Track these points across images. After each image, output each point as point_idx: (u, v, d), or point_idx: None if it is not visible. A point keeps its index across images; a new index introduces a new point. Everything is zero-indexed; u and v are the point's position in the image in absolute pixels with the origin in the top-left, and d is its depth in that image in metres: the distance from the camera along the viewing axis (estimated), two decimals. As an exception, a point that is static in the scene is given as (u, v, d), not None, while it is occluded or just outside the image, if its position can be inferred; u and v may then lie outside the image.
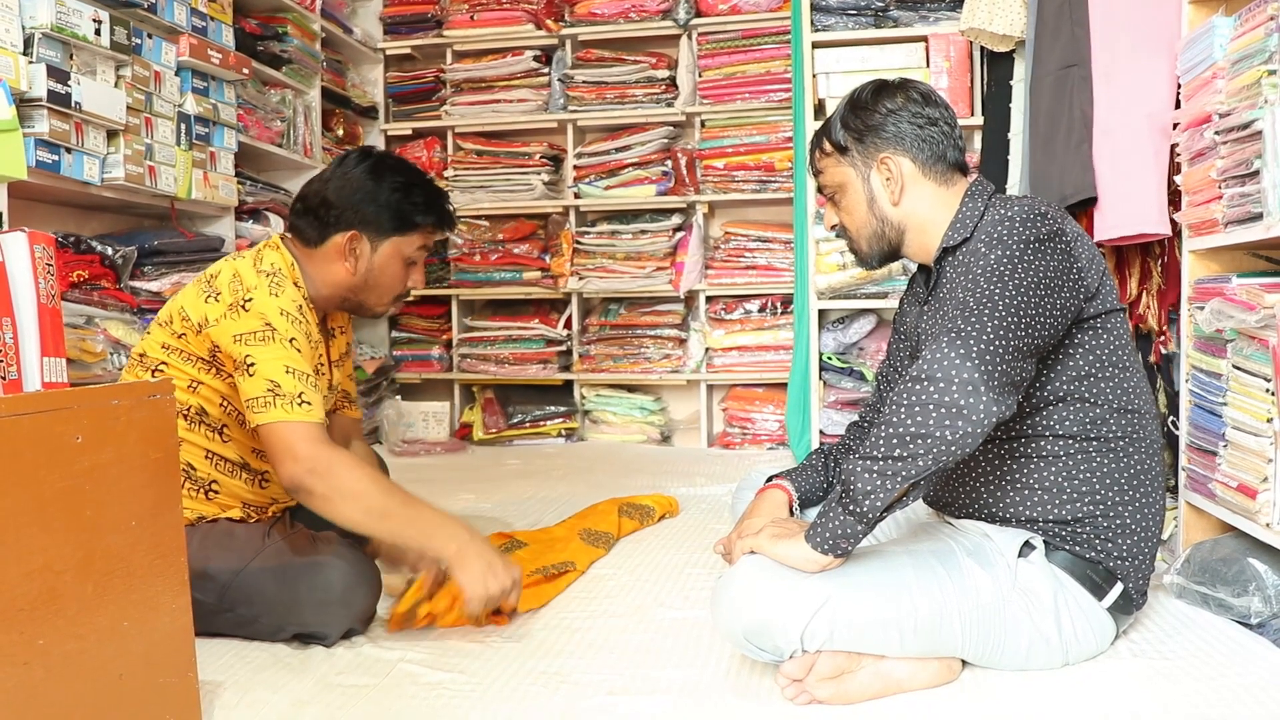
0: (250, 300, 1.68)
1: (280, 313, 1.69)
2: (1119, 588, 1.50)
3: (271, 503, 1.91)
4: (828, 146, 1.67)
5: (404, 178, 1.88)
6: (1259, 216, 1.76)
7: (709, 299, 4.27)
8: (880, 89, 1.63)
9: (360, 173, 1.84)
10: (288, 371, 1.64)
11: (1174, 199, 2.28)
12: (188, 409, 1.76)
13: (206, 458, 1.79)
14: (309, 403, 1.64)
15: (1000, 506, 1.54)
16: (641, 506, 2.57)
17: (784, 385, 3.99)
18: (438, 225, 1.92)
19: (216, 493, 1.80)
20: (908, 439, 1.28)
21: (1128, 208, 2.36)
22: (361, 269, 1.85)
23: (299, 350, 1.68)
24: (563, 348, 4.40)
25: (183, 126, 2.86)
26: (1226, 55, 1.86)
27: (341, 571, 1.68)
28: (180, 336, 1.73)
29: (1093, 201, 2.47)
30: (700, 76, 4.24)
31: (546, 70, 4.44)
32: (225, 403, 1.77)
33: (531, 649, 1.68)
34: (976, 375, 1.27)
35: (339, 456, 1.64)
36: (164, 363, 1.75)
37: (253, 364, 1.64)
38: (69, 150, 2.41)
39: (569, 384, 4.42)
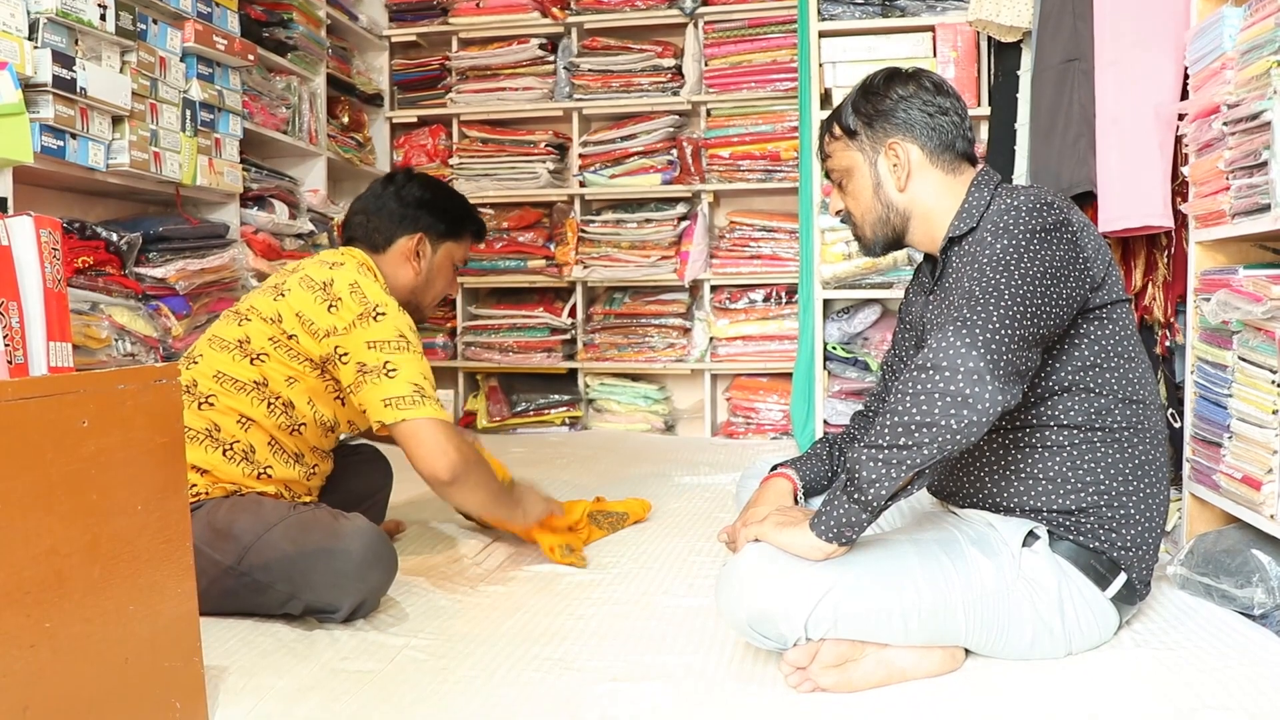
0: (384, 314, 1.83)
1: (410, 328, 1.88)
2: (1122, 578, 1.50)
3: (307, 493, 2.00)
4: (837, 130, 1.67)
5: (453, 192, 2.18)
6: (1267, 208, 1.75)
7: (714, 288, 4.26)
8: (893, 76, 1.64)
9: (415, 186, 2.09)
10: (425, 378, 1.83)
11: (1181, 190, 2.28)
12: (276, 398, 1.86)
13: (269, 444, 1.88)
14: (442, 405, 1.84)
15: (1004, 496, 1.54)
16: (612, 514, 2.50)
17: (788, 375, 3.99)
18: (478, 235, 2.20)
19: (270, 476, 1.88)
20: (913, 428, 1.28)
21: (1132, 199, 2.35)
22: (424, 269, 2.08)
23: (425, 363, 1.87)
24: (567, 336, 4.40)
25: (188, 113, 2.86)
26: (1236, 45, 1.85)
27: (361, 544, 1.70)
28: (291, 337, 1.84)
29: (1091, 195, 2.47)
30: (706, 65, 4.22)
31: (552, 58, 4.43)
32: (312, 402, 1.90)
33: (536, 635, 1.68)
34: (982, 364, 1.27)
35: (470, 447, 1.87)
36: (265, 353, 1.85)
37: (394, 369, 1.79)
38: (74, 136, 2.41)
39: (573, 372, 4.42)
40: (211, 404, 1.83)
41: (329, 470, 2.06)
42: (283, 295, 1.87)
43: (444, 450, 1.77)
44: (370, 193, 2.11)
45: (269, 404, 1.86)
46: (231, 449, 1.83)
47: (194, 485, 1.79)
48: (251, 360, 1.85)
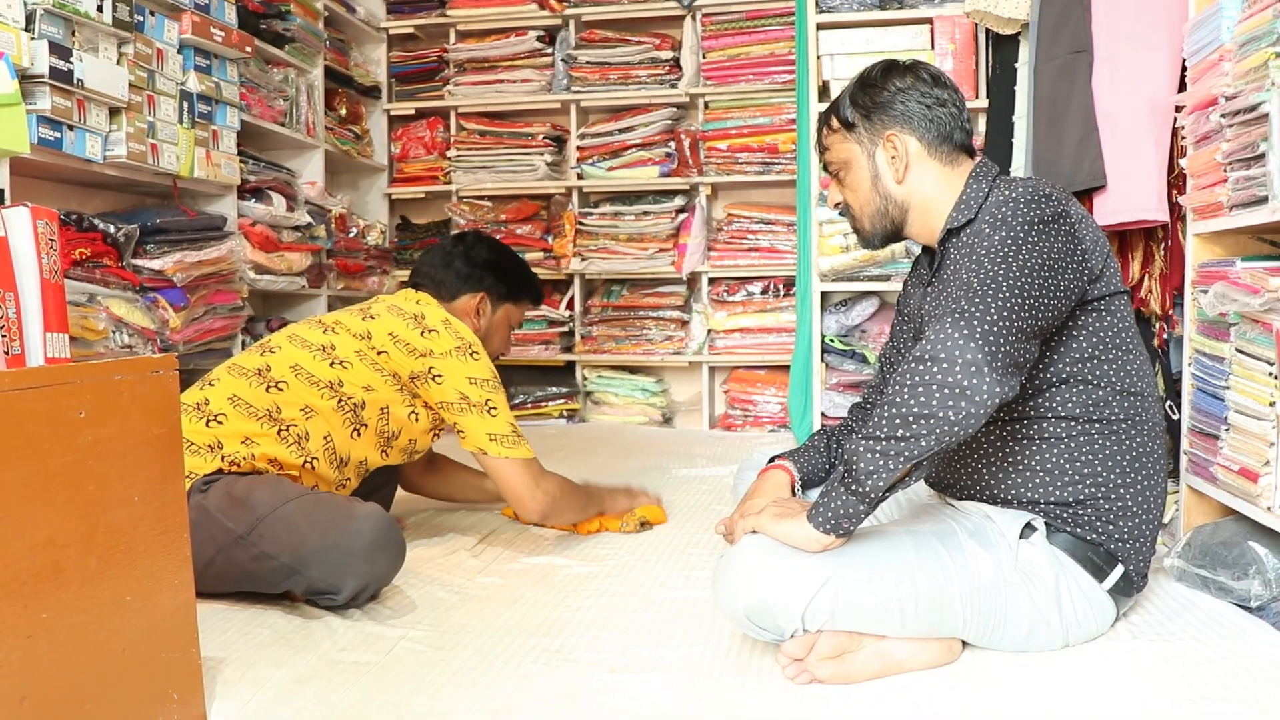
0: (478, 355, 2.04)
1: (494, 370, 2.06)
2: (1119, 570, 1.50)
3: None
4: (835, 123, 1.67)
5: (516, 258, 2.35)
6: (1264, 200, 1.75)
7: (711, 281, 4.26)
8: (890, 68, 1.63)
9: (483, 249, 2.26)
10: (514, 419, 2.05)
11: (1178, 183, 2.28)
12: (349, 398, 1.97)
13: (325, 439, 1.95)
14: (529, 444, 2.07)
15: (1002, 488, 1.54)
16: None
17: (786, 367, 3.99)
18: (535, 299, 2.37)
19: (313, 467, 1.93)
20: (911, 419, 1.28)
21: (1128, 193, 2.36)
22: (484, 326, 2.23)
23: None
24: (565, 329, 4.40)
25: (185, 104, 2.85)
26: (1234, 37, 1.85)
27: (372, 526, 1.70)
28: (381, 353, 2.00)
29: (1098, 188, 2.47)
30: (704, 58, 4.22)
31: (550, 50, 4.43)
32: (384, 412, 2.02)
33: (533, 627, 1.69)
34: (980, 356, 1.27)
35: (555, 480, 2.10)
36: (349, 362, 1.98)
37: (494, 408, 2.01)
38: (71, 127, 2.41)
39: (571, 365, 4.42)
40: (281, 389, 1.91)
41: (353, 490, 2.10)
42: (372, 318, 2.04)
43: (533, 495, 2.04)
44: (440, 249, 2.27)
45: (339, 400, 1.95)
46: (287, 431, 1.90)
47: (236, 453, 1.83)
48: (332, 364, 1.97)
